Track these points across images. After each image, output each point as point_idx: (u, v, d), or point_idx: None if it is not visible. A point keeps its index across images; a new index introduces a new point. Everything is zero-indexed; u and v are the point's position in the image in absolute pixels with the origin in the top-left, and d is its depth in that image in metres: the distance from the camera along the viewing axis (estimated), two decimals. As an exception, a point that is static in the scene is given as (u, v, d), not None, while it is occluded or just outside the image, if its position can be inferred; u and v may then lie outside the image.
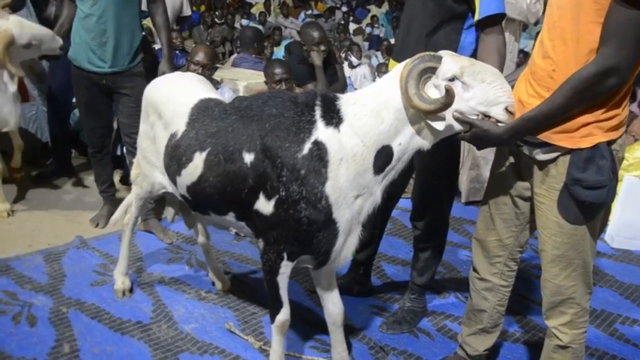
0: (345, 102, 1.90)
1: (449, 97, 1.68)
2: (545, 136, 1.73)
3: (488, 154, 4.14)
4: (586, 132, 1.68)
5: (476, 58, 2.03)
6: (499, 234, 2.05)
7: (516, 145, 1.86)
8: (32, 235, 3.35)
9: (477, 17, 2.16)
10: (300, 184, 1.86)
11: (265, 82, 3.57)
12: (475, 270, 2.16)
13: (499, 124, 1.73)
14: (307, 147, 1.86)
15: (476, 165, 4.11)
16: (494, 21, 2.16)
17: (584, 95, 1.61)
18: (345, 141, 1.85)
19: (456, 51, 2.09)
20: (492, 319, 2.16)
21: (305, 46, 3.91)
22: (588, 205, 1.72)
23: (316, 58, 3.85)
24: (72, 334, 2.45)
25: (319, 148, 1.85)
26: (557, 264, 1.83)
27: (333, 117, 1.88)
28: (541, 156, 1.78)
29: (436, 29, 2.23)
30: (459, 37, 2.21)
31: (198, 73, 3.08)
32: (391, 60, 2.45)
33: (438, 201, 2.50)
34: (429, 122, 1.77)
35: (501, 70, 2.02)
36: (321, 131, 1.86)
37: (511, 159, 1.96)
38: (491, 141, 1.75)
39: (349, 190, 1.87)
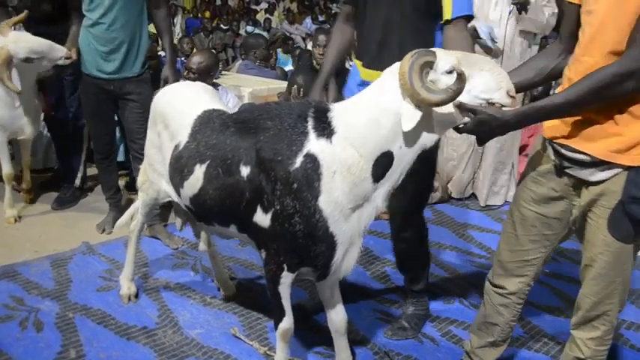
0: (338, 112, 1.85)
1: (461, 82, 1.59)
2: (600, 154, 1.67)
3: (506, 158, 4.21)
4: None
5: None
6: (527, 255, 1.97)
7: (561, 167, 1.79)
8: (39, 241, 3.37)
9: (448, 16, 2.12)
10: (293, 197, 1.83)
11: (279, 94, 3.52)
12: (495, 285, 2.08)
13: (505, 110, 1.67)
14: (299, 160, 1.83)
15: (495, 169, 4.16)
16: (463, 20, 2.15)
17: (601, 94, 1.58)
18: (338, 153, 1.80)
19: None
20: (504, 333, 2.12)
21: (314, 50, 3.82)
22: None
23: None
24: (78, 340, 2.46)
25: (311, 161, 1.81)
26: (599, 282, 1.79)
27: (325, 128, 1.83)
28: (596, 176, 1.70)
29: (414, 30, 2.19)
30: (434, 37, 2.21)
31: (192, 80, 3.06)
32: (364, 69, 2.31)
33: (417, 213, 2.49)
34: (437, 116, 1.70)
35: None
36: (313, 143, 1.82)
37: (544, 179, 1.87)
38: (498, 127, 1.67)
39: (345, 203, 1.83)
